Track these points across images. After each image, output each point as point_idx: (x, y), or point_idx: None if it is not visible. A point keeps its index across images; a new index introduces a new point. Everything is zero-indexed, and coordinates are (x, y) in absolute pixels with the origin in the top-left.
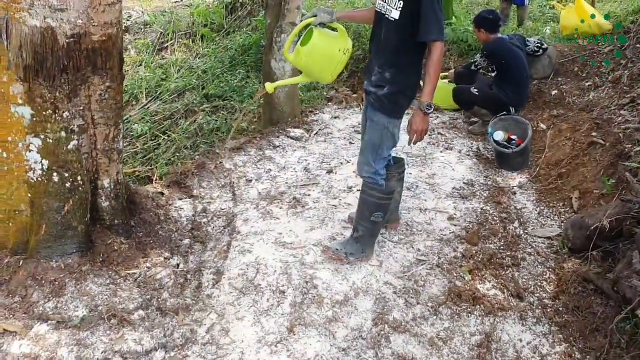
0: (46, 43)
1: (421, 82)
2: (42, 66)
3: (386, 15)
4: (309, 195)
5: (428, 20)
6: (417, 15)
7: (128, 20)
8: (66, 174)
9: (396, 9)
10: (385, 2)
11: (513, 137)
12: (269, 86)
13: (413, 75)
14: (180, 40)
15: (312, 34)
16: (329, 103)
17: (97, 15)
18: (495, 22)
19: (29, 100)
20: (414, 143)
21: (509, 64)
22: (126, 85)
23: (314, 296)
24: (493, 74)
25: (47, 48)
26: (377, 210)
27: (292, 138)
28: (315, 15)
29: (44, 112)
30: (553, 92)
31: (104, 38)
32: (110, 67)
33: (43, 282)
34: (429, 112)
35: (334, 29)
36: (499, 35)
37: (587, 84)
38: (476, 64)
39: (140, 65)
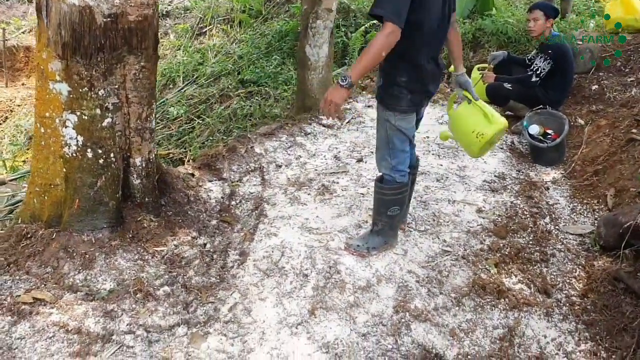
0: (84, 22)
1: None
2: (79, 44)
3: None
4: (337, 182)
5: None
6: None
7: (169, 5)
8: (100, 151)
9: None
10: None
11: (549, 131)
12: (444, 135)
13: (402, 64)
14: (218, 25)
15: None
16: (363, 92)
17: None
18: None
19: (67, 78)
20: (322, 113)
21: (564, 69)
22: (164, 69)
23: (337, 281)
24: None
25: (85, 27)
26: (394, 205)
27: (324, 126)
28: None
29: (80, 90)
30: (593, 87)
31: (140, 18)
32: (146, 47)
33: (74, 254)
34: (343, 84)
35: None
36: (554, 31)
37: (629, 79)
38: (538, 72)
39: (179, 49)
